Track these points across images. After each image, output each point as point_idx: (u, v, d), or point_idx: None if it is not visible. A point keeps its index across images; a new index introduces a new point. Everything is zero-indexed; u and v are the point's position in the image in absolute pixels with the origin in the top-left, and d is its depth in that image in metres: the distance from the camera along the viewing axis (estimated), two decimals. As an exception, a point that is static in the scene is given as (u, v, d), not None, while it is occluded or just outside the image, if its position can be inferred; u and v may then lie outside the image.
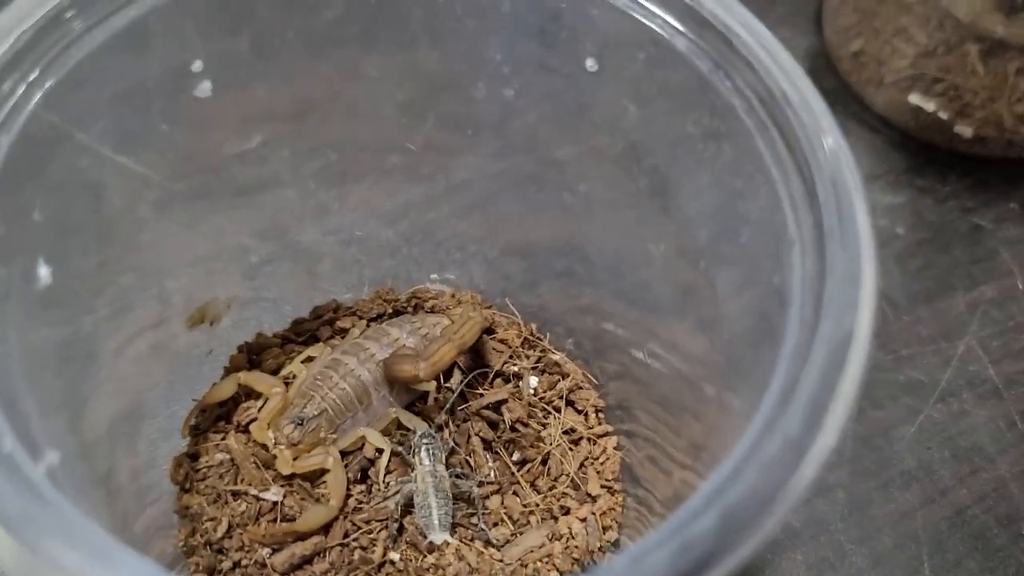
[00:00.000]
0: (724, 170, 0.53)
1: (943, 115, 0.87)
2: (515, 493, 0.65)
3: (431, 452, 0.64)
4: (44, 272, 0.49)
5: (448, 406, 0.67)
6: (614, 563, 0.36)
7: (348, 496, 0.64)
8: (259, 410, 0.67)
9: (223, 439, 0.66)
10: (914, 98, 0.88)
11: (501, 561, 0.62)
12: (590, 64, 0.56)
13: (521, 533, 0.64)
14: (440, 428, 0.67)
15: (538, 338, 0.74)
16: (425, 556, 0.62)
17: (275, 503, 0.63)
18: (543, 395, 0.70)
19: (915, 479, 0.72)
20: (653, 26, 0.52)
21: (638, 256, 0.67)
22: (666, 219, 0.62)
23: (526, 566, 0.62)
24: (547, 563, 0.62)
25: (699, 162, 0.56)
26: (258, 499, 0.63)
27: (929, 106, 0.87)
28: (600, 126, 0.62)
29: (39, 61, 0.47)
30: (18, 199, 0.47)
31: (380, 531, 0.63)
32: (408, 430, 0.66)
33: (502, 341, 0.73)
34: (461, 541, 0.62)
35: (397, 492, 0.63)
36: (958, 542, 0.70)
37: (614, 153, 0.64)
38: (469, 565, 0.61)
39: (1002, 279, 0.82)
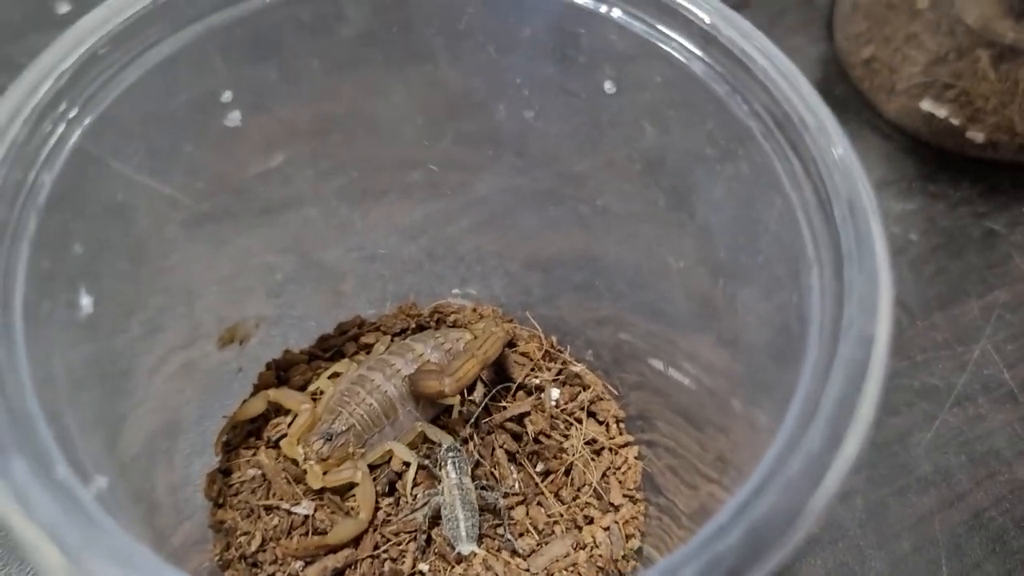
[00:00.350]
0: (742, 189, 0.54)
1: (955, 121, 0.88)
2: (539, 504, 0.67)
3: (457, 465, 0.65)
4: (86, 301, 0.51)
5: (472, 420, 0.69)
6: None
7: (377, 509, 0.66)
8: (289, 426, 0.68)
9: (254, 455, 0.68)
10: (926, 104, 0.89)
11: (527, 571, 0.63)
12: (608, 86, 0.58)
13: (546, 543, 0.65)
14: (465, 441, 0.68)
15: (559, 350, 0.75)
16: (453, 567, 0.63)
17: (306, 517, 0.65)
18: (564, 407, 0.71)
19: (932, 484, 0.74)
20: (670, 50, 0.53)
21: (657, 270, 0.68)
22: (685, 234, 0.64)
23: (552, 575, 0.63)
24: (572, 572, 0.64)
25: (717, 181, 0.57)
26: (290, 513, 0.65)
27: (941, 112, 0.88)
28: (618, 145, 0.63)
29: (78, 99, 0.48)
30: (61, 233, 0.49)
31: (409, 543, 0.64)
32: (434, 443, 0.68)
33: (523, 354, 0.74)
34: (488, 551, 0.64)
35: (425, 504, 0.65)
36: (976, 545, 0.71)
37: (632, 171, 0.65)
38: (496, 575, 0.63)
39: (1016, 283, 0.83)
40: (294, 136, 0.69)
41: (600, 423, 0.71)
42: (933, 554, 0.71)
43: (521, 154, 0.68)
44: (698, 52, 0.52)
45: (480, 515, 0.65)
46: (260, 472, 0.67)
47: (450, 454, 0.66)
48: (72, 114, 0.48)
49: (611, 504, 0.67)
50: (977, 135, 0.87)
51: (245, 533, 0.64)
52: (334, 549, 0.63)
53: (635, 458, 0.70)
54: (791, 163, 0.48)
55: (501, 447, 0.68)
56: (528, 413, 0.70)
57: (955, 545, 0.71)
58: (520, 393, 0.72)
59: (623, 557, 0.65)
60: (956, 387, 0.78)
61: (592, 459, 0.69)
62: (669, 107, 0.56)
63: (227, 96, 0.57)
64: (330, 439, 0.66)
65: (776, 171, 0.49)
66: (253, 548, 0.63)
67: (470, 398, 0.71)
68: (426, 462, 0.67)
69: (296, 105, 0.67)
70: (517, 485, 0.67)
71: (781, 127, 0.49)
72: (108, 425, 0.56)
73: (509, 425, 0.70)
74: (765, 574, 0.37)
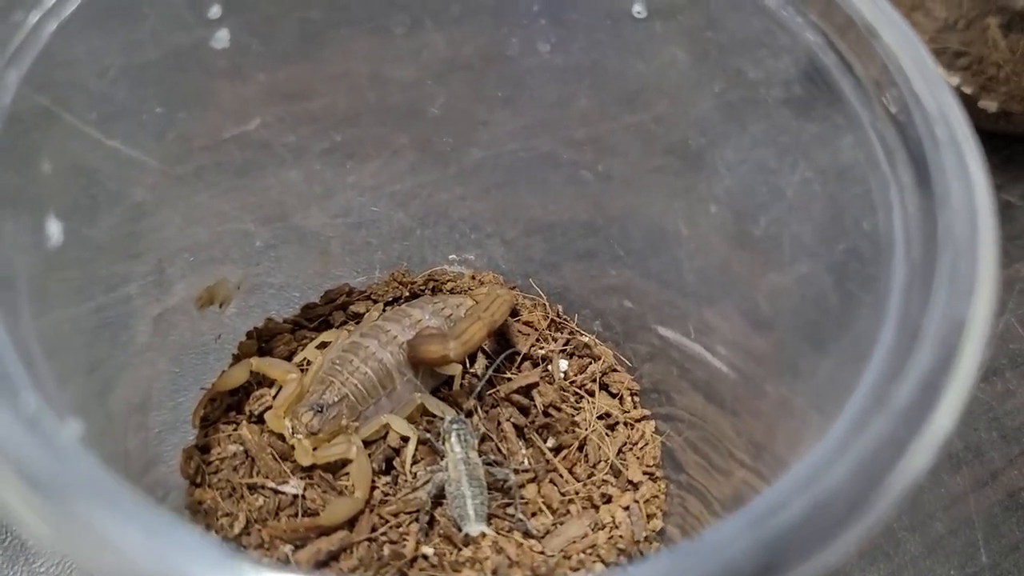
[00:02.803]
0: (792, 117, 0.49)
1: (967, 90, 0.84)
2: (552, 481, 0.61)
3: (462, 438, 0.59)
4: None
5: (476, 392, 0.63)
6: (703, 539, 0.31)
7: (373, 488, 0.59)
8: (273, 398, 0.62)
9: (235, 430, 0.61)
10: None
11: (542, 553, 0.57)
12: (637, 9, 0.52)
13: (561, 523, 0.59)
14: (469, 414, 0.62)
15: (565, 320, 0.69)
16: (460, 549, 0.57)
17: (295, 496, 0.58)
18: (574, 379, 0.66)
19: (964, 462, 0.69)
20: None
21: (668, 235, 0.64)
22: (705, 187, 0.59)
23: (569, 558, 0.57)
24: (591, 554, 0.58)
25: (759, 112, 0.52)
26: (277, 492, 0.58)
27: (953, 81, 0.84)
28: (644, 87, 0.59)
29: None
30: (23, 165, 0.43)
31: (410, 524, 0.58)
32: (434, 417, 0.62)
33: (527, 323, 0.68)
34: (498, 532, 0.58)
35: (428, 482, 0.59)
36: (1014, 525, 0.66)
37: (648, 128, 0.61)
38: (508, 558, 0.56)
39: (1036, 257, 0.80)
40: (272, 98, 0.64)
41: (613, 396, 0.66)
42: (970, 536, 0.66)
43: (535, 99, 0.62)
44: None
45: (488, 493, 0.58)
46: (242, 448, 0.60)
47: (454, 426, 0.59)
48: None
49: (630, 482, 0.61)
50: (990, 104, 0.84)
51: (227, 514, 0.57)
52: (327, 531, 0.57)
53: (653, 433, 0.64)
54: (857, 76, 0.43)
55: (508, 420, 0.62)
56: (536, 384, 0.64)
57: (992, 525, 0.66)
58: (526, 364, 0.66)
59: (645, 539, 0.59)
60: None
61: (607, 434, 0.63)
62: (707, 29, 0.51)
63: (215, 11, 0.51)
64: (321, 411, 0.60)
65: (839, 87, 0.44)
66: (236, 531, 0.56)
67: (471, 370, 0.65)
68: (427, 436, 0.60)
69: (275, 67, 0.62)
70: (527, 461, 0.61)
71: (844, 34, 0.44)
72: (78, 393, 0.50)
73: (516, 398, 0.63)
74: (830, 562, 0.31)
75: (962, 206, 0.37)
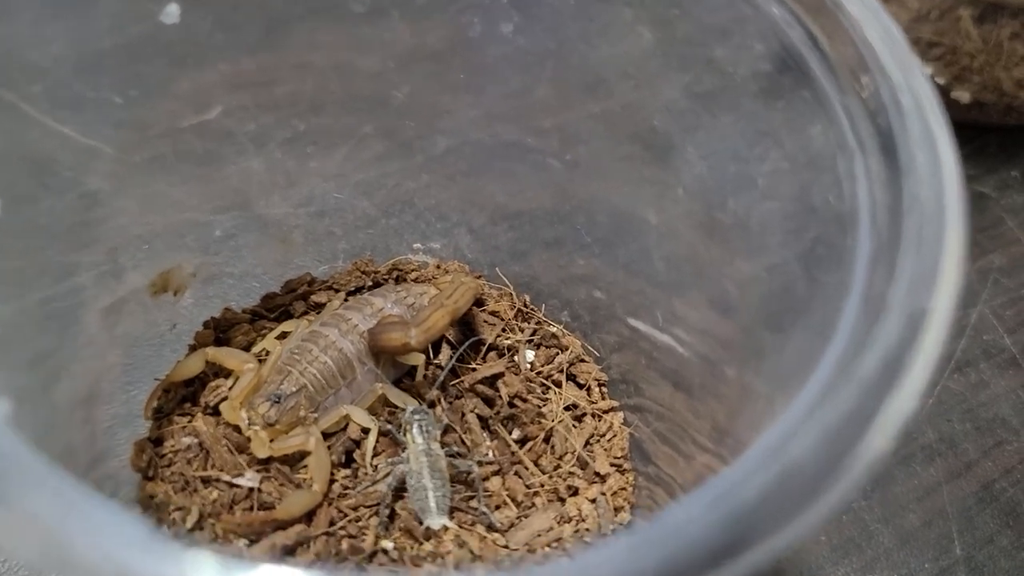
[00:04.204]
0: (761, 101, 0.48)
1: (940, 80, 0.83)
2: (517, 474, 0.59)
3: (424, 429, 0.57)
4: None
5: (439, 382, 0.61)
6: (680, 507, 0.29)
7: (332, 481, 0.57)
8: (230, 389, 0.60)
9: (190, 422, 0.59)
10: (909, 64, 0.85)
11: (506, 547, 0.56)
12: (602, -15, 0.51)
13: (526, 516, 0.57)
14: (432, 405, 0.61)
15: (532, 309, 0.68)
16: (422, 543, 0.55)
17: (251, 489, 0.56)
18: (541, 369, 0.64)
19: (938, 453, 0.68)
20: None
21: (635, 225, 0.62)
22: (673, 175, 0.58)
23: (534, 551, 0.56)
24: (556, 548, 0.56)
25: (728, 98, 0.51)
26: (231, 486, 0.56)
27: (926, 71, 0.84)
28: (610, 72, 0.57)
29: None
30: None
31: (370, 517, 0.56)
32: (396, 408, 0.60)
33: (493, 313, 0.67)
34: (460, 526, 0.56)
35: (388, 474, 0.57)
36: (988, 518, 0.65)
37: (614, 113, 0.60)
38: (471, 552, 0.55)
39: (1010, 247, 0.79)
40: (234, 87, 0.62)
41: (581, 387, 0.64)
42: (943, 527, 0.65)
43: (499, 86, 0.61)
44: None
45: (451, 486, 0.57)
46: (197, 440, 0.58)
47: (416, 416, 0.58)
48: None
49: (597, 474, 0.60)
50: (963, 94, 0.83)
51: (179, 508, 0.55)
52: (283, 525, 0.55)
53: (621, 424, 0.62)
54: (823, 51, 0.42)
55: (472, 412, 0.61)
56: (501, 375, 0.62)
57: (966, 518, 0.65)
58: (491, 355, 0.65)
59: (612, 531, 0.58)
60: (956, 352, 0.73)
61: (574, 425, 0.62)
62: (674, 8, 0.50)
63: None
64: (278, 401, 0.58)
65: (807, 63, 0.43)
66: (189, 525, 0.54)
67: (435, 361, 0.64)
68: (388, 427, 0.59)
69: (237, 56, 0.60)
70: (491, 453, 0.60)
71: (811, 11, 0.43)
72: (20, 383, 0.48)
73: (480, 388, 0.62)
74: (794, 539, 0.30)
75: (927, 173, 0.36)
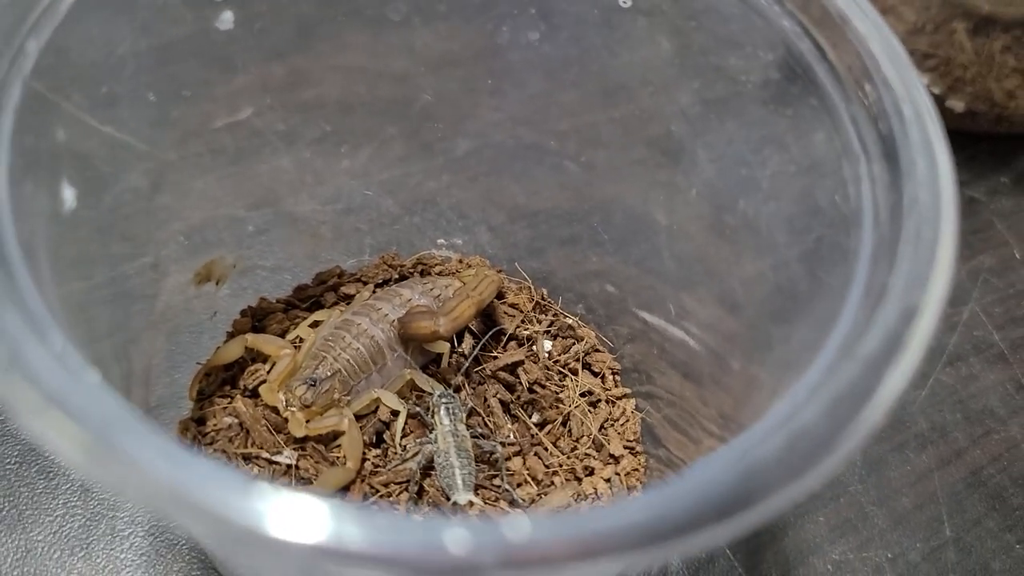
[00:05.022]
0: (770, 108, 0.52)
1: (935, 90, 0.88)
2: (536, 454, 0.63)
3: (451, 411, 0.61)
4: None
5: (464, 368, 0.65)
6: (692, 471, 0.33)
7: (364, 459, 0.61)
8: (268, 373, 0.64)
9: (230, 403, 0.63)
10: (905, 74, 0.89)
11: (527, 522, 0.59)
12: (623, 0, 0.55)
13: (546, 493, 0.61)
14: (456, 390, 0.65)
15: (549, 302, 0.72)
16: (448, 518, 0.59)
17: (289, 466, 0.60)
18: (558, 358, 0.68)
19: (929, 441, 0.72)
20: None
21: (649, 222, 0.66)
22: (684, 178, 0.62)
23: (553, 526, 0.59)
24: (575, 522, 0.60)
25: (739, 104, 0.55)
26: (271, 463, 0.60)
27: (921, 81, 0.88)
28: (628, 79, 0.61)
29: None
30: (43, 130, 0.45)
31: (399, 493, 0.60)
32: (423, 392, 0.64)
33: (513, 305, 0.71)
34: (485, 502, 0.60)
35: (417, 453, 0.61)
36: (976, 502, 0.69)
37: (629, 119, 0.64)
38: (495, 526, 0.58)
39: (999, 249, 0.83)
40: (264, 89, 0.66)
41: (595, 375, 0.68)
42: (934, 511, 0.69)
43: (521, 86, 0.65)
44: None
45: (475, 465, 0.61)
46: (237, 420, 0.62)
47: (443, 400, 0.62)
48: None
49: (611, 455, 0.64)
50: (957, 104, 0.87)
51: (223, 482, 0.59)
52: (320, 499, 0.58)
53: (633, 410, 0.66)
54: (833, 66, 0.46)
55: (494, 397, 0.65)
56: (521, 362, 0.66)
57: (956, 502, 0.69)
58: (511, 344, 0.69)
59: (626, 509, 0.62)
60: (947, 347, 0.77)
61: (589, 410, 0.66)
62: (690, 19, 0.54)
63: None
64: (314, 385, 0.62)
65: (818, 77, 0.47)
66: (232, 497, 0.58)
67: (458, 349, 0.68)
68: (417, 410, 0.63)
69: (268, 59, 0.64)
70: (512, 435, 0.64)
71: (821, 27, 0.47)
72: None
73: (502, 375, 0.66)
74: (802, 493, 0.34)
75: (926, 177, 0.40)
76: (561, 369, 0.67)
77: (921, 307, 0.36)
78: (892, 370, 0.35)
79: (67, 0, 0.45)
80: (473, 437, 0.62)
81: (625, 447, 0.64)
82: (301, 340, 0.66)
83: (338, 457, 0.61)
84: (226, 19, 0.54)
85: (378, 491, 0.60)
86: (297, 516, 0.29)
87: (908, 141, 0.41)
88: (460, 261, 0.73)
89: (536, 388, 0.66)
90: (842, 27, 0.46)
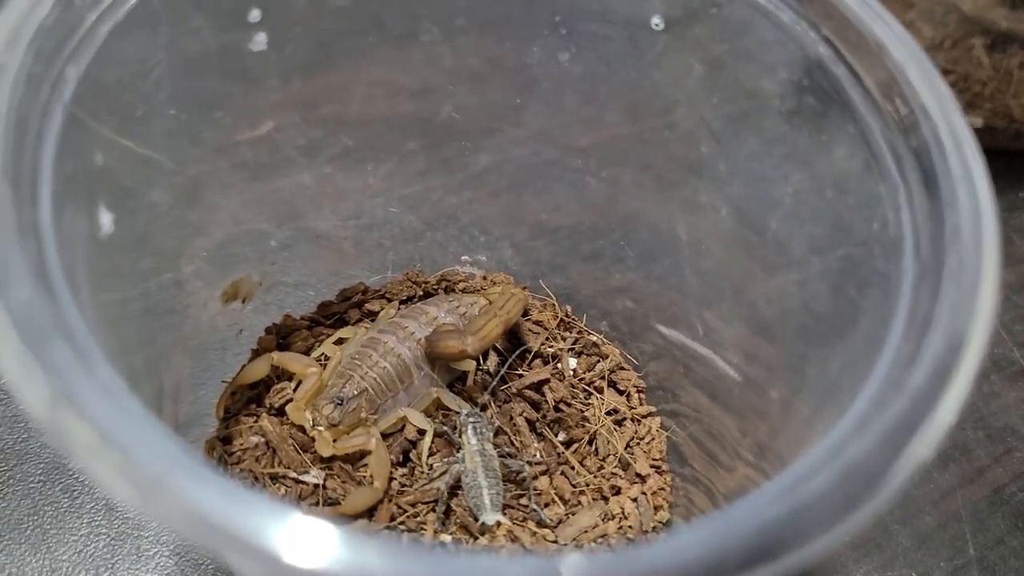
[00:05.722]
0: (799, 128, 0.52)
1: (954, 106, 0.88)
2: (563, 474, 0.63)
3: (479, 430, 0.61)
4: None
5: (491, 387, 0.65)
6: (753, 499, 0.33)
7: (391, 479, 0.61)
8: (294, 391, 0.64)
9: (256, 422, 0.63)
10: (924, 90, 0.89)
11: (555, 542, 0.59)
12: (656, 21, 0.55)
13: (573, 513, 0.61)
14: (483, 409, 0.65)
15: (573, 320, 0.72)
16: (477, 538, 0.59)
17: (316, 486, 0.60)
18: (583, 376, 0.68)
19: (952, 459, 0.72)
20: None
21: (672, 238, 0.66)
22: (709, 197, 0.62)
23: (581, 547, 0.60)
24: (602, 543, 0.60)
25: (766, 123, 0.55)
26: (298, 482, 0.60)
27: (959, 108, 0.88)
28: (655, 97, 0.61)
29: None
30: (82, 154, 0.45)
31: (427, 513, 0.60)
32: (450, 411, 0.64)
33: (537, 323, 0.71)
34: (513, 522, 0.60)
35: (445, 472, 0.61)
36: (999, 520, 0.69)
37: (657, 137, 0.64)
38: (523, 546, 0.59)
39: (1019, 265, 0.83)
40: (284, 105, 0.66)
41: (621, 393, 0.68)
42: (957, 529, 0.69)
43: (549, 104, 0.65)
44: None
45: (503, 484, 0.61)
46: (264, 439, 0.62)
47: (471, 419, 0.62)
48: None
49: (638, 474, 0.64)
50: (976, 120, 0.87)
51: (250, 503, 0.59)
52: (348, 520, 0.59)
53: (659, 428, 0.66)
54: (867, 88, 0.46)
55: (520, 415, 0.65)
56: (547, 381, 0.66)
57: (978, 520, 0.69)
58: (536, 362, 0.69)
59: (652, 528, 0.62)
60: (969, 364, 0.77)
61: (615, 429, 0.66)
62: (723, 43, 0.54)
63: (255, 15, 0.53)
64: (341, 403, 0.62)
65: (850, 98, 0.47)
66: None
67: (483, 367, 0.68)
68: (444, 428, 0.63)
69: (289, 75, 0.64)
70: (539, 454, 0.64)
71: (855, 48, 0.47)
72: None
73: (528, 393, 0.66)
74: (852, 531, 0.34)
75: (967, 208, 0.40)
76: (586, 387, 0.67)
77: (967, 339, 0.36)
78: (941, 403, 0.35)
79: (105, 25, 0.45)
80: (500, 456, 0.62)
81: (651, 466, 0.64)
82: (326, 358, 0.66)
83: (365, 476, 0.61)
84: (259, 40, 0.54)
85: (405, 511, 0.60)
86: (340, 551, 0.29)
87: (949, 171, 0.41)
88: (484, 278, 0.73)
89: (562, 407, 0.66)
90: (879, 54, 0.46)
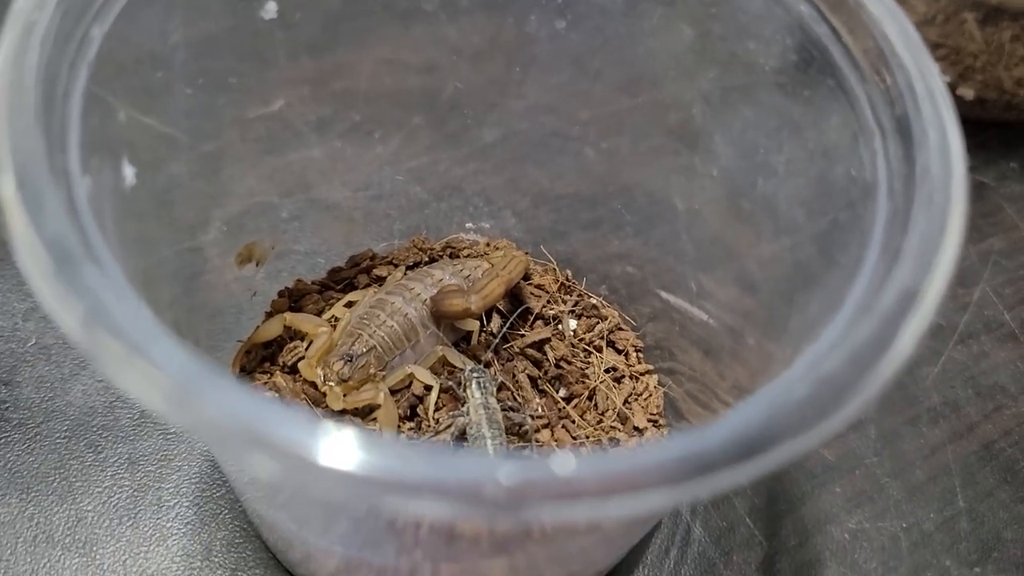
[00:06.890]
0: (787, 94, 0.55)
1: (946, 78, 0.90)
2: (564, 427, 0.66)
3: (482, 385, 0.64)
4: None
5: (493, 346, 0.68)
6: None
7: (399, 431, 0.64)
8: (306, 350, 0.66)
9: (270, 378, 0.66)
10: (916, 63, 0.91)
11: (556, 490, 0.62)
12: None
13: (574, 464, 0.64)
14: (487, 366, 0.67)
15: (574, 283, 0.75)
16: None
17: (328, 438, 0.63)
18: (583, 336, 0.71)
19: (942, 416, 0.74)
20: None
21: (668, 206, 0.69)
22: (702, 163, 0.64)
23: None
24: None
25: (757, 91, 0.57)
26: (310, 434, 0.63)
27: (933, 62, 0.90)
28: (650, 67, 0.64)
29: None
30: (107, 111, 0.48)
31: (434, 464, 0.63)
32: (455, 368, 0.67)
33: (539, 286, 0.73)
34: (516, 471, 0.62)
35: (451, 425, 0.64)
36: (988, 474, 0.72)
37: (649, 106, 0.66)
38: (525, 493, 0.61)
39: (1009, 232, 0.85)
40: (295, 83, 0.68)
41: (619, 352, 0.71)
42: (948, 483, 0.71)
43: (549, 70, 0.67)
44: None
45: (506, 436, 0.63)
46: (277, 394, 0.65)
47: (474, 374, 0.64)
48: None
49: (636, 428, 0.66)
50: (967, 92, 0.90)
51: (266, 452, 0.62)
52: (358, 468, 0.61)
53: (656, 385, 0.69)
54: (849, 50, 0.49)
55: (523, 372, 0.67)
56: (548, 340, 0.69)
57: (968, 474, 0.72)
58: (538, 323, 0.71)
59: (650, 478, 0.64)
60: (959, 325, 0.79)
61: (614, 385, 0.68)
62: (717, 13, 0.56)
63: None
64: (350, 360, 0.64)
65: (835, 61, 0.49)
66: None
67: (487, 328, 0.70)
68: (449, 384, 0.65)
69: (300, 54, 0.66)
70: (540, 409, 0.66)
71: (836, 10, 0.49)
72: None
73: (530, 351, 0.69)
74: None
75: (937, 147, 0.42)
76: (586, 347, 0.70)
77: (933, 264, 0.39)
78: (909, 321, 0.38)
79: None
80: (503, 410, 0.64)
81: (649, 420, 0.67)
82: (337, 319, 0.69)
83: (374, 430, 0.64)
84: (270, 9, 0.57)
85: (413, 461, 0.62)
86: (357, 449, 0.32)
87: (920, 115, 0.44)
88: (487, 244, 0.76)
89: (563, 364, 0.68)
90: (857, 11, 0.48)
